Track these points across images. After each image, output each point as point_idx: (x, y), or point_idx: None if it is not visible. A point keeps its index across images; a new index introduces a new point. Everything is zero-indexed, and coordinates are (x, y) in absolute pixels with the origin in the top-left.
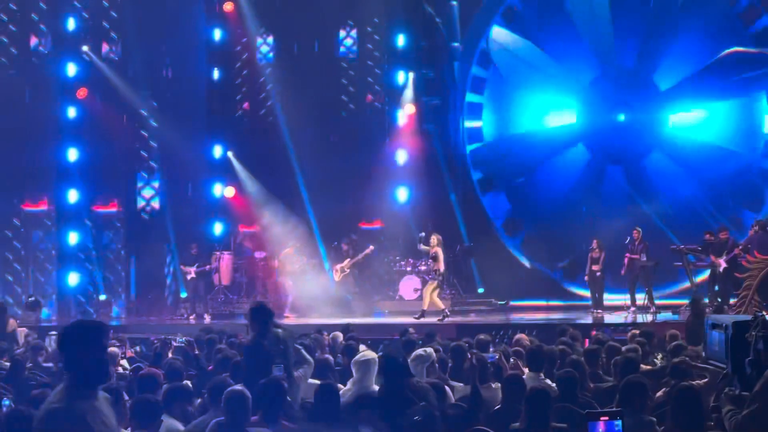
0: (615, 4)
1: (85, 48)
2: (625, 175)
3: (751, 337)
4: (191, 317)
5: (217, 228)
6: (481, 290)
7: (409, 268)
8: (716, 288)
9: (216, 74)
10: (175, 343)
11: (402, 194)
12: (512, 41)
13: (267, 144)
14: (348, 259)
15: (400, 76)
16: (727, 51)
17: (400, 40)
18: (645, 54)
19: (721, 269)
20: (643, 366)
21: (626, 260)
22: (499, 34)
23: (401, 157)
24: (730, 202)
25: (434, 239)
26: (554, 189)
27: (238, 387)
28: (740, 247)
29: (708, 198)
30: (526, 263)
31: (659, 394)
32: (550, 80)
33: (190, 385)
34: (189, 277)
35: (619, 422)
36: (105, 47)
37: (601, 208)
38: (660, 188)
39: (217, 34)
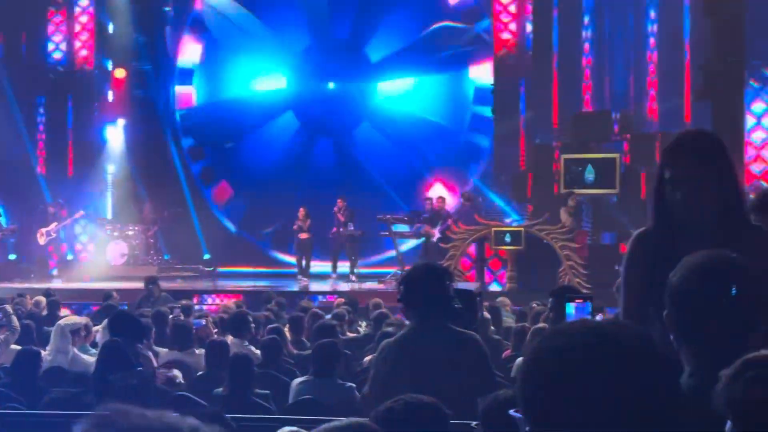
0: None
1: None
2: (334, 145)
3: None
4: None
5: None
6: (207, 256)
7: (116, 233)
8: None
9: None
10: None
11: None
12: (225, 6)
13: None
14: (55, 223)
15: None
16: (435, 25)
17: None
18: (358, 26)
19: (434, 239)
20: (348, 334)
21: (333, 229)
22: None
23: (114, 121)
24: (438, 174)
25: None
26: (263, 156)
27: None
28: (452, 219)
29: (415, 169)
30: (233, 229)
31: (366, 359)
32: (262, 47)
33: None
34: None
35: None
36: None
37: (309, 176)
38: (369, 158)
39: None
